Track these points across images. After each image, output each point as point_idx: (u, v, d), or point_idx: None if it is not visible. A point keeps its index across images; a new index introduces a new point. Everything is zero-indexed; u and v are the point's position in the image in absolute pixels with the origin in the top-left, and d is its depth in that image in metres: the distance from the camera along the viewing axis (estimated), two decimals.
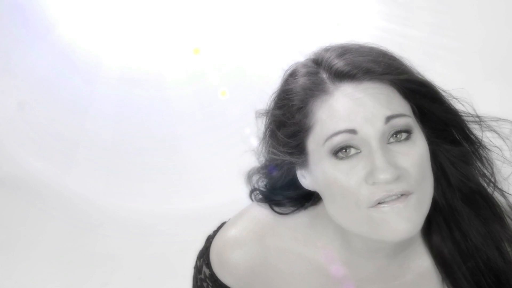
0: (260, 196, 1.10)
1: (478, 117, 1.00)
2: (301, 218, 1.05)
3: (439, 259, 1.03)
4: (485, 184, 1.02)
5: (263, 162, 1.06)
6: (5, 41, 3.66)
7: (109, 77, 3.59)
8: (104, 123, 3.61)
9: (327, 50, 0.97)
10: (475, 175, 1.01)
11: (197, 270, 1.10)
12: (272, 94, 1.00)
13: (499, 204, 1.04)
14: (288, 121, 0.95)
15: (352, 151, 0.91)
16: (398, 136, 0.91)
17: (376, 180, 0.88)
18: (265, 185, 1.08)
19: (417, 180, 0.90)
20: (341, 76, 0.91)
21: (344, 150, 0.91)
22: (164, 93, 3.57)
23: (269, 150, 1.00)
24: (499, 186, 1.03)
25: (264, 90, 1.02)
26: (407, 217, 0.90)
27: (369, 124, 0.89)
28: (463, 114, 0.99)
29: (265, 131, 1.01)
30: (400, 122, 0.90)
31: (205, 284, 1.09)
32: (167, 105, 3.58)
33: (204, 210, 2.90)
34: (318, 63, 0.95)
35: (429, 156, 0.94)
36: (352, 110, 0.89)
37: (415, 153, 0.91)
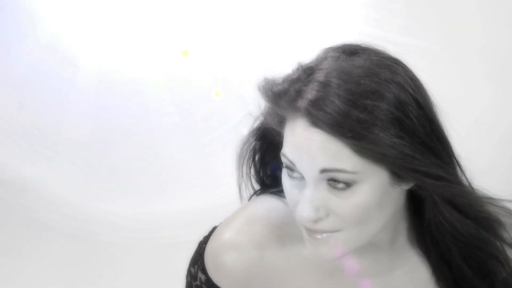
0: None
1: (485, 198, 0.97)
2: None
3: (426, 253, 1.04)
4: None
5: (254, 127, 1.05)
6: None
7: (93, 78, 3.57)
8: (94, 123, 3.60)
9: (326, 57, 0.92)
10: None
11: (192, 277, 1.08)
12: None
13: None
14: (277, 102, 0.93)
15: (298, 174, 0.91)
16: (337, 184, 0.88)
17: (296, 215, 0.91)
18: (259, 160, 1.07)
19: (349, 223, 0.90)
20: (307, 112, 0.87)
21: (291, 170, 0.92)
22: (152, 94, 3.57)
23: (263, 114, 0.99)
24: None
25: (254, 90, 0.98)
26: (328, 249, 0.92)
27: (306, 168, 0.88)
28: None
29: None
30: (338, 176, 0.87)
31: None
32: (155, 107, 3.58)
33: (204, 210, 2.91)
34: (309, 75, 0.90)
35: (374, 204, 0.90)
36: (299, 147, 0.88)
37: (350, 203, 0.88)
